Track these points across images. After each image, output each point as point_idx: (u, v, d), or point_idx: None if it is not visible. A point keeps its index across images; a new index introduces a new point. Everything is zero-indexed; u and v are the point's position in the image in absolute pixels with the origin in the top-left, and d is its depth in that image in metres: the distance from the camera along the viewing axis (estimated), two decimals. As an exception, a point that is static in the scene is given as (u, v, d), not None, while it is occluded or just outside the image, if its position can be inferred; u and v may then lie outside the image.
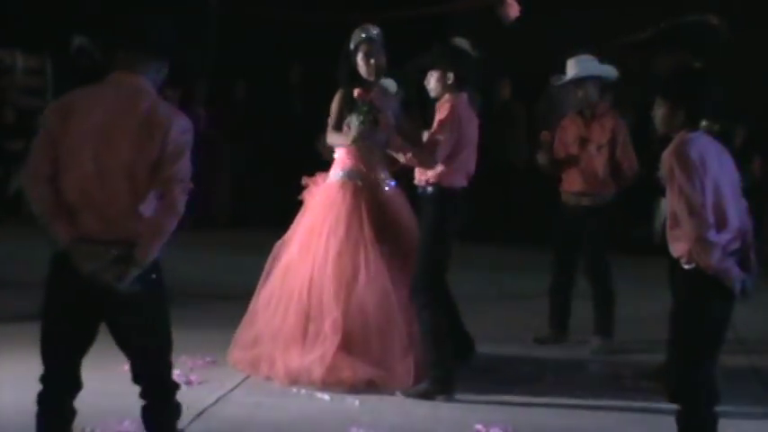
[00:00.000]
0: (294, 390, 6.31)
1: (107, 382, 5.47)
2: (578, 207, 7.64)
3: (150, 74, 4.33)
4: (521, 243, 11.13)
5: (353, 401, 6.16)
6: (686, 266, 4.76)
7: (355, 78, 6.65)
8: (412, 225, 6.66)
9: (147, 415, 4.42)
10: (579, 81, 7.61)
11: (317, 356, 6.35)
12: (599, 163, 7.58)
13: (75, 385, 4.39)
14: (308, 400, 6.19)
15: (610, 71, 7.64)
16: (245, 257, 10.79)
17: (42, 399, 4.36)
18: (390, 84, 6.76)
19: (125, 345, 4.36)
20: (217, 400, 6.07)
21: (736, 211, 4.77)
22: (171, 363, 4.43)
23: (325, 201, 6.70)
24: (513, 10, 8.54)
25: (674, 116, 4.79)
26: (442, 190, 6.31)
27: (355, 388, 6.28)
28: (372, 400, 6.19)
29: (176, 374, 6.20)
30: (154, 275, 4.28)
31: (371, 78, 6.66)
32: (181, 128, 4.24)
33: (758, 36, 11.40)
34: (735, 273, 4.69)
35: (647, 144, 7.31)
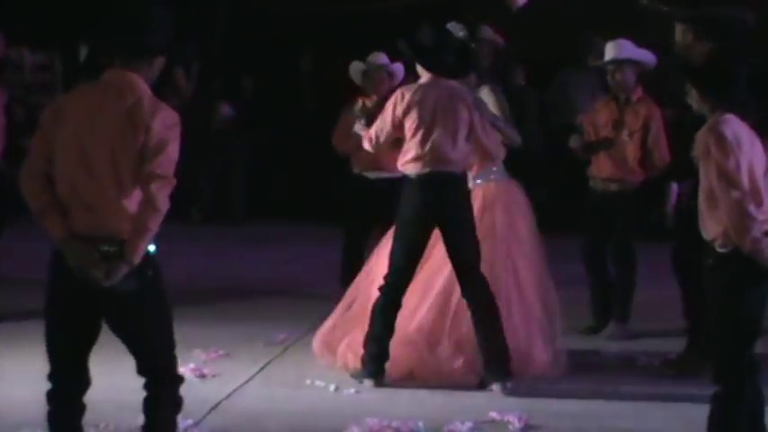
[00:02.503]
0: (308, 381, 6.31)
1: (123, 378, 5.45)
2: (606, 192, 7.54)
3: (143, 69, 4.30)
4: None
5: (368, 392, 6.15)
6: (720, 250, 4.64)
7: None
8: (517, 221, 6.77)
9: (148, 406, 4.38)
10: (617, 64, 7.43)
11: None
12: (630, 149, 7.42)
13: (84, 382, 4.38)
14: (322, 392, 6.18)
15: (648, 56, 7.46)
16: (259, 251, 10.82)
17: (52, 397, 4.35)
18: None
19: (126, 341, 4.35)
20: (231, 393, 6.07)
21: None
22: (175, 356, 4.39)
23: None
24: (521, -3, 8.49)
25: (707, 97, 4.72)
26: (404, 177, 6.32)
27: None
28: (386, 390, 6.18)
29: (190, 368, 6.26)
30: (150, 272, 4.23)
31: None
32: (165, 122, 4.20)
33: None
34: None
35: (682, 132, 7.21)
